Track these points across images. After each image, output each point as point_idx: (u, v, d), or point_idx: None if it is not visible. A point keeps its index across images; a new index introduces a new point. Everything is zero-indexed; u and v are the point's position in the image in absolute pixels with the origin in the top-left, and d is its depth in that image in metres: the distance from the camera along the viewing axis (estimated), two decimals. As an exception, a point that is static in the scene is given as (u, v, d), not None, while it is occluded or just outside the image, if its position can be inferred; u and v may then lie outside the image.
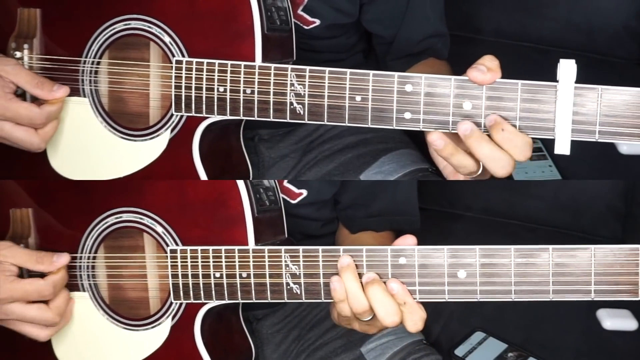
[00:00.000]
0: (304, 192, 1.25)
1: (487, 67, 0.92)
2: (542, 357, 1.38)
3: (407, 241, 0.97)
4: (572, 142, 0.91)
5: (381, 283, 0.96)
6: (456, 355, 1.39)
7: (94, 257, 1.08)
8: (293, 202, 1.25)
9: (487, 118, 0.93)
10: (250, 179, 1.14)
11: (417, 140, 1.37)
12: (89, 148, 1.10)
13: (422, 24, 1.30)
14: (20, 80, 1.04)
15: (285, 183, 1.25)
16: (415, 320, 0.96)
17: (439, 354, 1.25)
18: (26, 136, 1.05)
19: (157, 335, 1.07)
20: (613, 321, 1.47)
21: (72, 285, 1.09)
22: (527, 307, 1.49)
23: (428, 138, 0.94)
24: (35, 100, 1.06)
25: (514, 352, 1.39)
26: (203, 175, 1.06)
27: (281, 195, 1.12)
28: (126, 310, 1.08)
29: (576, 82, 0.90)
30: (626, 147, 1.60)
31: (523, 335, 1.44)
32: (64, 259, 1.06)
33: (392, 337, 1.24)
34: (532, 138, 0.93)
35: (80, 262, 1.09)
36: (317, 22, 1.25)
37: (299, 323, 1.33)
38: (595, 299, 0.92)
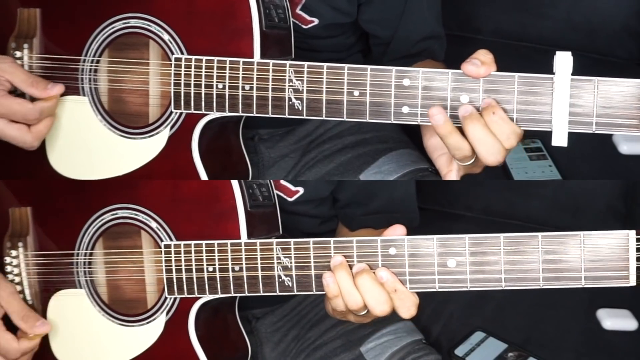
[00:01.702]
0: (301, 190, 1.25)
1: (481, 61, 0.93)
2: (542, 357, 1.38)
3: (397, 231, 0.97)
4: (570, 136, 0.91)
5: (370, 272, 0.96)
6: (456, 355, 1.39)
7: (91, 254, 1.09)
8: (290, 199, 1.25)
9: (483, 101, 0.94)
10: (250, 178, 1.15)
11: (416, 140, 1.37)
12: (88, 146, 1.10)
13: (419, 25, 1.30)
14: (15, 79, 1.05)
15: (282, 181, 1.25)
16: (408, 306, 0.96)
17: (439, 353, 1.24)
18: (19, 134, 1.05)
19: (152, 330, 1.07)
20: (613, 321, 1.46)
21: (68, 282, 1.09)
22: (527, 307, 1.50)
23: (429, 111, 0.95)
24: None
25: (514, 352, 1.39)
26: (202, 173, 1.06)
27: (278, 192, 1.12)
28: (123, 306, 1.08)
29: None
30: (626, 147, 1.60)
31: (523, 335, 1.44)
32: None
33: (391, 337, 1.24)
34: (530, 130, 0.93)
35: (77, 259, 1.09)
36: (316, 21, 1.25)
37: (299, 322, 1.33)
38: (585, 286, 0.91)
